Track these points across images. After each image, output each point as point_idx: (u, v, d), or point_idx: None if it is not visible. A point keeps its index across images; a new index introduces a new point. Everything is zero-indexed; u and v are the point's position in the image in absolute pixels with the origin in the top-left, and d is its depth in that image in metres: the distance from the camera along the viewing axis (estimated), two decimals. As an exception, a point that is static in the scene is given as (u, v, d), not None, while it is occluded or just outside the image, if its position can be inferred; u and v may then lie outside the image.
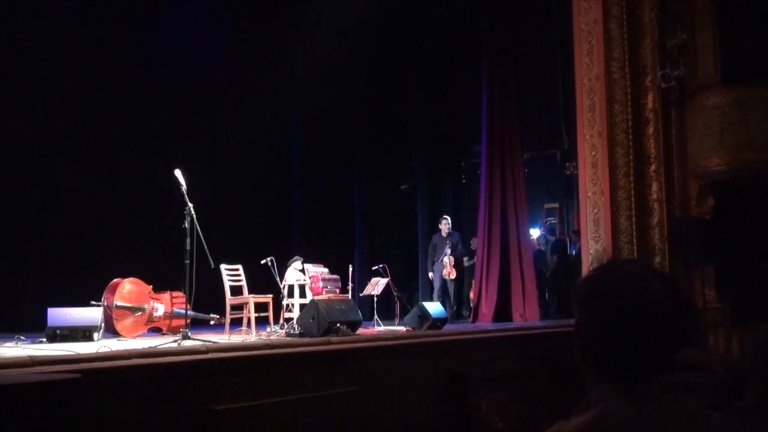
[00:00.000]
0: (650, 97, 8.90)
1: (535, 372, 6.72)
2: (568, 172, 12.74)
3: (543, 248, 12.47)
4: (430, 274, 11.49)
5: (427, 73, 13.38)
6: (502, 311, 10.60)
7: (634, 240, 8.72)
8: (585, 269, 9.10)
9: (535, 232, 13.18)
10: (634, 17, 8.95)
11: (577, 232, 10.61)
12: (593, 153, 9.08)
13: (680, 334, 1.48)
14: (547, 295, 12.29)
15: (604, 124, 8.96)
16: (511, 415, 6.07)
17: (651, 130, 8.87)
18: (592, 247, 8.98)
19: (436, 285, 11.39)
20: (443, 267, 11.27)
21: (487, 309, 10.66)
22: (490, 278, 10.78)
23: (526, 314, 10.62)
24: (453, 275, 11.29)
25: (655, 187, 8.80)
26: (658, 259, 8.60)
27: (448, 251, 11.21)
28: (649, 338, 1.45)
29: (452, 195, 14.37)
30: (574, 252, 12.37)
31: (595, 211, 9.00)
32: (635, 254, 8.56)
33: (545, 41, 12.03)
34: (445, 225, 11.50)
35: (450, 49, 13.04)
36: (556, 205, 13.94)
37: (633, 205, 8.74)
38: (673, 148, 8.94)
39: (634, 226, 8.74)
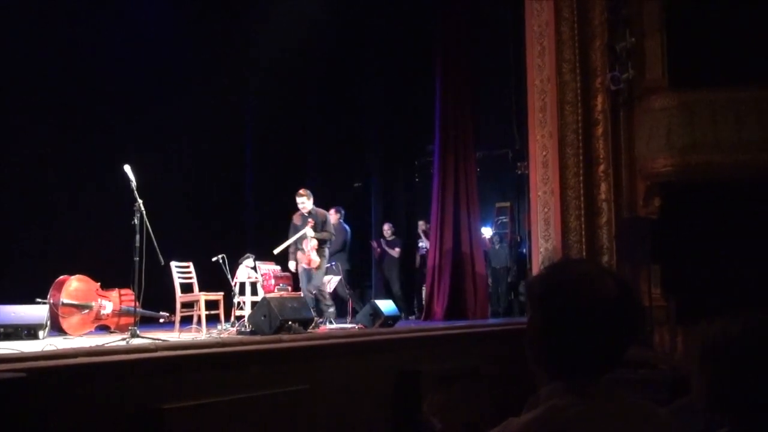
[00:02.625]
0: (600, 99, 9.07)
1: (487, 369, 6.79)
2: (519, 172, 12.86)
3: (497, 247, 12.61)
4: (292, 265, 8.94)
5: (381, 70, 13.40)
6: (454, 309, 10.66)
7: (583, 239, 8.88)
8: (535, 267, 9.23)
9: (487, 231, 13.31)
10: (585, 20, 9.11)
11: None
12: (544, 153, 9.21)
13: (631, 332, 1.52)
14: (499, 294, 12.44)
15: (554, 125, 9.10)
16: (461, 413, 6.13)
17: (600, 131, 9.04)
18: (542, 245, 9.11)
19: (303, 281, 8.95)
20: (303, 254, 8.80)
21: (438, 307, 10.70)
22: (442, 276, 10.83)
23: (478, 312, 10.70)
24: (313, 264, 8.65)
25: (603, 187, 8.97)
26: (606, 258, 8.77)
27: (309, 233, 8.65)
28: (601, 336, 1.48)
29: (405, 193, 14.42)
30: (524, 250, 12.55)
31: (546, 210, 9.13)
32: (584, 253, 8.72)
33: (498, 42, 12.15)
34: (304, 200, 8.84)
35: (404, 48, 13.08)
36: (507, 204, 14.08)
37: (582, 205, 8.90)
38: (622, 149, 9.12)
39: (583, 226, 8.89)
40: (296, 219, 8.86)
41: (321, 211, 9.03)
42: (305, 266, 8.70)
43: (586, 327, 1.47)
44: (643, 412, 1.50)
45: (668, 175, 8.92)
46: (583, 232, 8.88)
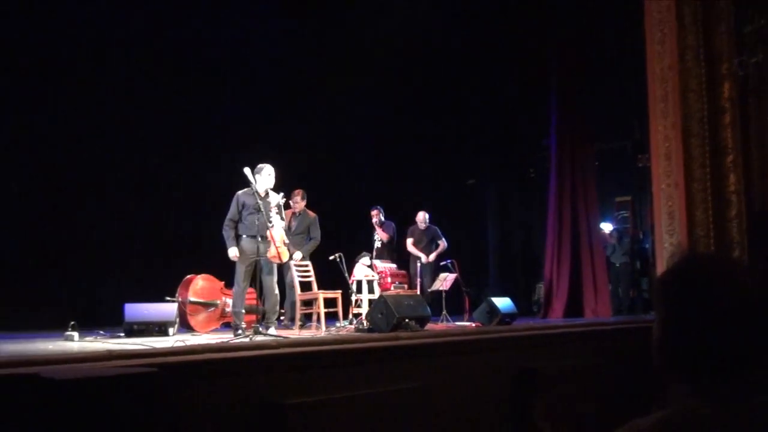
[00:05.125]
0: (726, 86, 8.58)
1: (607, 369, 6.58)
2: (640, 165, 12.44)
3: (618, 242, 12.20)
4: (233, 253, 7.20)
5: (494, 63, 13.25)
6: (573, 307, 10.44)
7: (711, 233, 8.44)
8: (660, 263, 8.87)
9: (607, 226, 12.92)
10: (709, 2, 8.66)
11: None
12: (666, 144, 8.82)
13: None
14: (620, 291, 12.04)
15: (677, 115, 8.69)
16: (582, 412, 5.98)
17: (728, 119, 8.56)
18: (667, 240, 8.73)
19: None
20: (267, 243, 7.12)
21: (557, 304, 10.52)
22: (560, 273, 10.63)
23: (598, 310, 10.43)
24: (283, 258, 7.38)
25: (732, 178, 8.49)
26: (737, 253, 8.30)
27: (276, 221, 7.28)
28: (735, 335, 1.39)
29: (521, 189, 14.22)
30: (647, 245, 12.11)
31: (670, 203, 8.75)
32: (712, 247, 8.30)
33: (616, 30, 11.75)
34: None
35: (517, 41, 12.88)
36: (628, 198, 13.64)
37: (709, 198, 8.46)
38: (752, 138, 8.62)
39: (710, 219, 8.45)
40: (245, 197, 7.43)
41: (312, 213, 9.11)
42: (271, 259, 7.26)
43: (720, 326, 1.39)
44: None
45: (805, 164, 8.37)
46: (711, 226, 8.44)
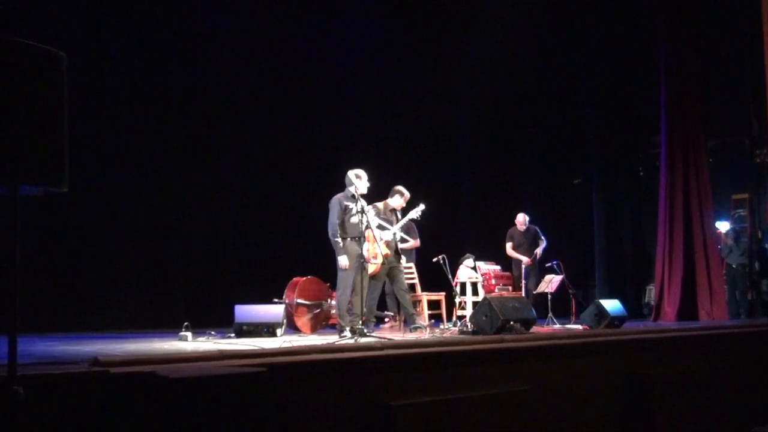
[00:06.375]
0: None
1: (726, 374, 6.29)
2: (758, 160, 11.83)
3: (734, 242, 11.61)
4: (344, 262, 7.22)
5: (601, 60, 12.90)
6: (687, 310, 10.03)
7: (838, 232, 7.95)
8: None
9: (723, 226, 12.33)
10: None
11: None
12: (787, 138, 8.37)
13: None
14: (737, 294, 11.47)
15: (799, 106, 8.25)
16: (698, 419, 5.73)
17: None
18: (789, 240, 8.28)
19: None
20: (384, 245, 7.38)
21: (669, 307, 10.14)
22: (672, 275, 10.24)
23: (714, 313, 9.98)
24: (378, 259, 7.56)
25: None
26: None
27: (375, 223, 7.37)
28: None
29: (629, 188, 13.79)
30: (767, 245, 11.52)
31: (791, 200, 8.30)
32: (840, 247, 7.82)
33: (730, 19, 11.22)
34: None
35: (625, 34, 12.50)
36: (746, 195, 12.96)
37: (836, 193, 7.98)
38: None
39: (837, 216, 7.97)
40: (346, 200, 7.35)
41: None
42: (369, 259, 7.33)
43: None
44: None
45: None
46: (838, 224, 7.95)
